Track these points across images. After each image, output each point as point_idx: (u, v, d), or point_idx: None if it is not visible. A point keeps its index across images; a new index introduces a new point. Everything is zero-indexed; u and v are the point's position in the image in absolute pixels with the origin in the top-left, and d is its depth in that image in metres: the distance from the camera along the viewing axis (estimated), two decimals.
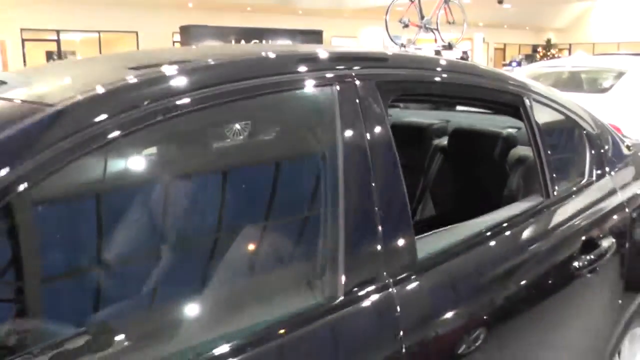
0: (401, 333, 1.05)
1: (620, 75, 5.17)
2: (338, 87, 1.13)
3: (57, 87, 1.13)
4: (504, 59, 27.68)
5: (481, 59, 23.16)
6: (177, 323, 0.93)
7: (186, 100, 0.96)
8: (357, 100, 1.14)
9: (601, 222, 1.64)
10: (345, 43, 23.10)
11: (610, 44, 25.86)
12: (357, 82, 1.16)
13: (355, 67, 1.21)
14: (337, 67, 1.19)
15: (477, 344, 1.16)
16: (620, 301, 1.68)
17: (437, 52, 8.26)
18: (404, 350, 1.05)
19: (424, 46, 9.71)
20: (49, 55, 16.31)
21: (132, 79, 1.01)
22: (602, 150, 1.86)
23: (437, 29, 8.96)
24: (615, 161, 1.90)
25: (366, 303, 1.04)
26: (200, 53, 1.46)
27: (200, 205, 1.06)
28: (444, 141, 2.37)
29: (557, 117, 1.80)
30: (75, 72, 1.32)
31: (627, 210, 1.73)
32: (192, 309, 0.96)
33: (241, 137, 1.09)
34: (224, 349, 0.88)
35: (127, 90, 0.97)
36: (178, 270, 0.98)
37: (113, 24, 16.01)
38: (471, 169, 2.14)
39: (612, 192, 1.74)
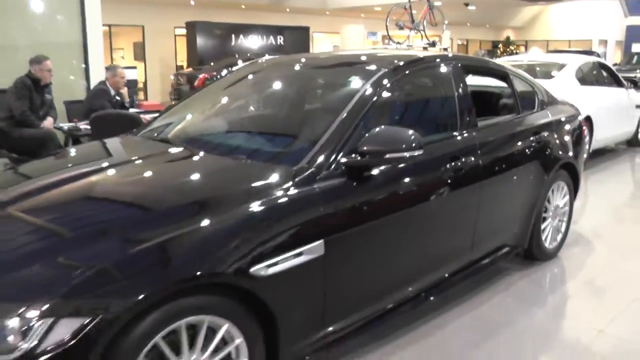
0: (480, 152, 3.09)
1: (562, 67, 7.38)
2: (453, 67, 3.18)
3: (380, 58, 3.20)
4: (467, 54, 30.18)
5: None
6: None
7: (422, 65, 3.06)
8: (456, 70, 3.19)
9: (541, 125, 3.74)
10: (328, 38, 25.10)
11: (563, 41, 28.53)
12: (457, 64, 3.22)
13: (455, 60, 3.27)
14: (453, 59, 3.26)
15: (491, 168, 3.20)
16: (547, 167, 3.74)
17: (425, 48, 10.39)
18: (480, 159, 3.08)
19: (416, 42, 11.80)
20: None
21: (407, 56, 3.09)
22: (543, 99, 3.98)
23: (423, 30, 11.09)
24: (549, 104, 4.02)
25: (467, 135, 3.06)
26: (407, 52, 3.48)
27: (427, 102, 3.19)
28: None
29: (523, 83, 3.91)
30: (374, 54, 3.45)
31: (552, 122, 3.86)
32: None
33: (432, 81, 3.18)
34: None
35: (413, 59, 3.06)
36: (433, 115, 3.11)
37: (122, 18, 17.46)
38: (482, 110, 4.19)
39: (546, 115, 3.86)
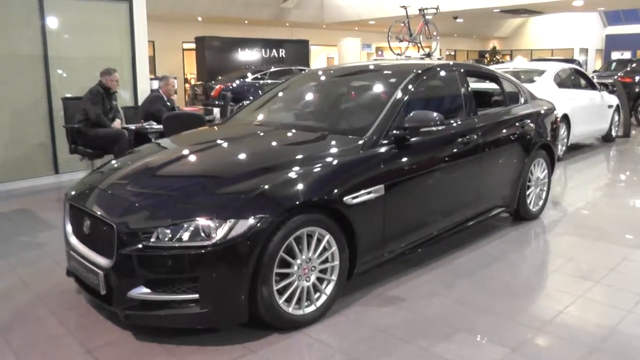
0: (480, 132, 4.24)
1: (542, 72, 8.62)
2: (458, 72, 4.37)
3: (407, 66, 4.42)
4: None
5: None
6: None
7: (438, 70, 4.24)
8: (461, 75, 4.38)
9: (524, 115, 4.92)
10: (324, 51, 26.40)
11: (546, 50, 30.07)
12: (461, 70, 4.40)
13: (460, 66, 4.46)
14: (458, 66, 4.45)
15: (488, 145, 4.36)
16: (529, 146, 4.91)
17: (422, 58, 11.60)
18: (480, 137, 4.24)
19: (412, 54, 13.03)
20: None
21: (426, 64, 4.25)
22: (526, 96, 5.19)
23: (420, 42, 12.33)
24: (530, 100, 5.22)
25: (470, 120, 4.22)
26: (425, 61, 4.66)
27: (443, 96, 4.41)
28: None
29: (509, 84, 5.11)
30: (399, 63, 4.70)
31: (532, 113, 5.05)
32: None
33: (445, 80, 4.38)
34: None
35: (431, 66, 4.24)
36: (447, 105, 4.30)
37: None
38: (479, 103, 5.28)
39: (528, 108, 5.06)
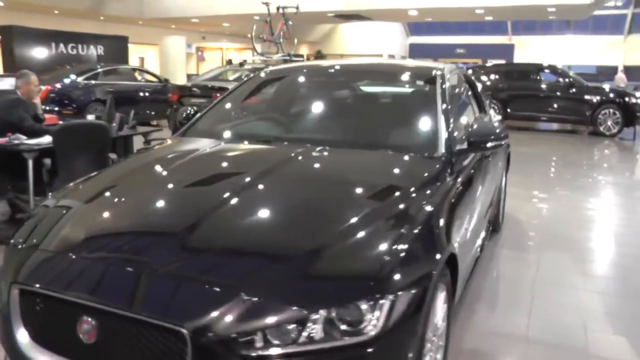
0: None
1: None
2: (460, 75, 3.94)
3: (406, 66, 3.79)
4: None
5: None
6: None
7: (453, 73, 3.68)
8: (464, 77, 3.97)
9: (497, 120, 4.68)
10: (136, 49, 24.26)
11: (355, 56, 31.72)
12: (463, 74, 3.99)
13: (461, 70, 4.04)
14: (460, 69, 4.01)
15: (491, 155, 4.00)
16: (505, 154, 4.72)
17: (285, 61, 11.11)
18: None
19: (277, 56, 12.39)
20: None
21: (422, 66, 3.68)
22: (486, 103, 4.99)
23: (280, 43, 11.80)
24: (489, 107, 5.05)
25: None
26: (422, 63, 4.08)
27: (464, 101, 3.81)
28: None
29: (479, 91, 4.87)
30: (398, 64, 4.13)
31: (499, 119, 4.88)
32: None
33: (462, 87, 3.87)
34: None
35: (425, 68, 3.66)
36: (468, 113, 3.54)
37: None
38: None
39: (495, 114, 4.87)
